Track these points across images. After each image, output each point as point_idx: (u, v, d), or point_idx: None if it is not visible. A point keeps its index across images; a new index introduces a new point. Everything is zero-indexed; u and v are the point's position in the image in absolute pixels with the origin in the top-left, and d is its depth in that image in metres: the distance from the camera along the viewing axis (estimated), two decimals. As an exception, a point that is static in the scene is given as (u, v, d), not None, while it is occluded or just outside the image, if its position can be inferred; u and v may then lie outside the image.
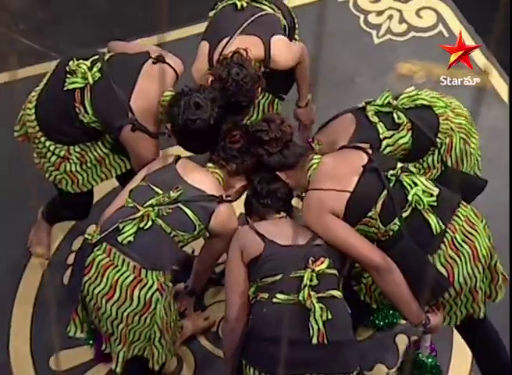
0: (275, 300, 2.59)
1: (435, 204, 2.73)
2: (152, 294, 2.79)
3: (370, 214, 2.73)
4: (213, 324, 3.51)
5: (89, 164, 3.36)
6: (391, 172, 2.74)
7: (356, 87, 4.13)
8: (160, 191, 2.78)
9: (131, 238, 2.73)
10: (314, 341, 2.52)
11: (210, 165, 2.99)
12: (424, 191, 2.74)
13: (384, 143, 3.16)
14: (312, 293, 2.56)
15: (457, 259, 2.81)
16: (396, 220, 2.75)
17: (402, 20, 4.47)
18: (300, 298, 2.55)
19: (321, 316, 2.55)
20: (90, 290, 2.83)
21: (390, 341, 3.52)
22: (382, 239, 2.79)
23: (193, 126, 3.01)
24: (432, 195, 2.75)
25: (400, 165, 2.85)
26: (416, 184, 2.74)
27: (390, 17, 4.63)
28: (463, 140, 3.23)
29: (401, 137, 3.17)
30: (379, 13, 4.69)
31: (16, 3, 4.40)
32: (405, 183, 2.73)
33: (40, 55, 4.00)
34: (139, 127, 3.13)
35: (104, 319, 2.87)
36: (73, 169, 3.32)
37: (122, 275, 2.79)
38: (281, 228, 2.77)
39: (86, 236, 2.93)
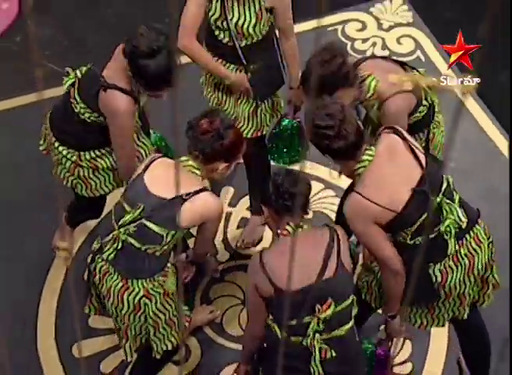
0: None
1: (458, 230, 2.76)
2: (139, 299, 2.80)
3: (405, 230, 2.69)
4: (217, 316, 3.49)
5: (101, 171, 3.33)
6: (437, 199, 2.67)
7: None
8: (128, 209, 2.73)
9: (112, 256, 2.76)
10: None
11: (183, 158, 2.84)
12: (455, 221, 2.70)
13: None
14: (317, 336, 2.53)
15: (454, 268, 2.80)
16: (421, 238, 2.71)
17: (384, 47, 4.48)
18: (304, 343, 2.52)
19: (323, 358, 2.53)
20: (99, 291, 2.92)
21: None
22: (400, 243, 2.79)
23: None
24: (460, 227, 2.72)
25: (445, 184, 2.73)
26: (452, 213, 2.70)
27: (374, 44, 4.65)
28: (442, 135, 3.30)
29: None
30: (364, 40, 4.68)
31: (43, 31, 4.39)
32: (444, 211, 2.68)
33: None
34: (108, 86, 3.08)
35: (113, 316, 2.92)
36: (86, 174, 3.32)
37: (114, 282, 2.81)
38: (285, 256, 2.46)
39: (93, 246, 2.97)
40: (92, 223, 3.81)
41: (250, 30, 3.27)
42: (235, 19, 3.24)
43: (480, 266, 2.87)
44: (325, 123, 2.53)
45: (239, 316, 3.46)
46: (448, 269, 2.80)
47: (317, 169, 3.94)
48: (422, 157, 2.71)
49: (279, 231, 2.63)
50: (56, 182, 3.35)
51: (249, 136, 3.51)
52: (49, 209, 3.60)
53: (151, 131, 3.42)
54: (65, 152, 3.30)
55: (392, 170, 2.65)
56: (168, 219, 2.69)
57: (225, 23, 3.27)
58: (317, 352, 2.52)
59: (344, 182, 3.60)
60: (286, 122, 3.57)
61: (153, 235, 2.72)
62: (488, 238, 2.85)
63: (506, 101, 4.42)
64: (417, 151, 2.70)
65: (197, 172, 2.77)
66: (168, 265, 2.95)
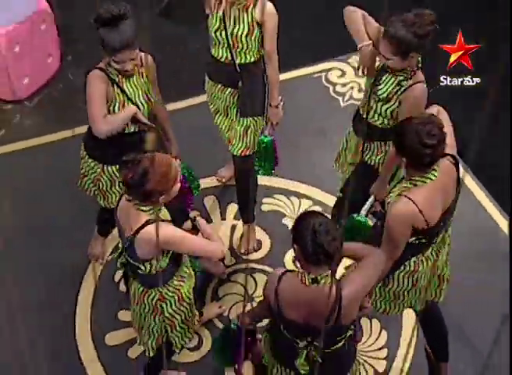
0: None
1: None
2: (155, 302, 2.78)
3: (422, 237, 2.70)
4: (224, 310, 3.53)
5: (117, 187, 3.29)
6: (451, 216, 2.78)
7: (327, 139, 4.02)
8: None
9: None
10: None
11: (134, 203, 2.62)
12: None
13: None
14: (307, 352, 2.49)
15: (424, 262, 2.84)
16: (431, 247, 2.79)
17: (361, 89, 4.48)
18: (296, 364, 2.49)
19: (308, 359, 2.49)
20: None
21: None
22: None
23: None
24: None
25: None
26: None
27: (352, 87, 4.67)
28: None
29: None
30: (344, 85, 4.69)
31: (79, 80, 4.36)
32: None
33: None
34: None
35: (136, 316, 2.93)
36: (104, 188, 3.34)
37: (137, 285, 2.81)
38: (297, 295, 2.41)
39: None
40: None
41: (243, 39, 3.27)
42: (231, 29, 3.26)
43: (440, 265, 2.96)
44: (431, 142, 2.46)
45: (242, 310, 3.44)
46: (420, 261, 2.83)
47: (304, 188, 3.95)
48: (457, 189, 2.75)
49: (300, 270, 2.39)
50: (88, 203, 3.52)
51: (238, 154, 3.55)
52: (86, 225, 3.67)
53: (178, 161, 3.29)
54: (92, 164, 3.31)
55: (440, 193, 2.64)
56: (133, 253, 2.62)
57: (223, 34, 3.28)
58: (303, 355, 2.48)
59: (331, 201, 3.76)
60: (262, 137, 3.58)
61: (136, 264, 2.67)
62: (448, 237, 2.92)
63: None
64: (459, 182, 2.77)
65: (143, 208, 2.56)
66: (186, 269, 2.91)
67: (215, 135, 3.76)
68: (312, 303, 2.35)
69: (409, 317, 3.54)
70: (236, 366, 3.04)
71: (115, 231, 3.52)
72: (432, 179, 2.58)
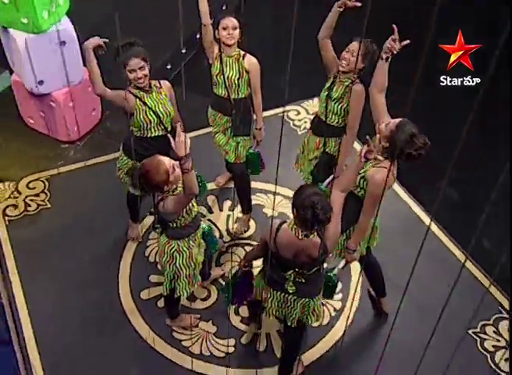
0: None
1: None
2: (173, 252, 2.82)
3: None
4: (225, 272, 3.60)
5: None
6: None
7: (289, 153, 3.83)
8: None
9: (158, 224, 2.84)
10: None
11: None
12: None
13: None
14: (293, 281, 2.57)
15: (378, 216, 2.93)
16: None
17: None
18: (285, 286, 2.59)
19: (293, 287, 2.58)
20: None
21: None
22: None
23: None
24: None
25: None
26: None
27: (305, 122, 4.72)
28: None
29: None
30: (299, 120, 4.82)
31: (116, 127, 4.69)
32: None
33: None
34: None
35: (160, 263, 3.03)
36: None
37: (163, 239, 2.85)
38: (291, 243, 2.45)
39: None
40: (149, 221, 3.90)
41: (236, 81, 3.33)
42: (227, 74, 3.31)
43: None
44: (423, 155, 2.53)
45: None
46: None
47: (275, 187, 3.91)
48: None
49: (295, 226, 2.42)
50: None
51: (232, 161, 3.62)
52: (124, 218, 3.79)
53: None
54: (126, 160, 3.31)
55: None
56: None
57: (221, 77, 3.33)
58: (291, 279, 2.57)
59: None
60: (251, 151, 3.63)
61: (166, 223, 2.75)
62: None
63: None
64: None
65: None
66: (200, 240, 2.94)
67: (214, 152, 3.85)
68: (302, 249, 2.42)
69: (355, 270, 3.65)
70: (236, 305, 3.22)
71: (146, 220, 3.92)
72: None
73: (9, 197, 3.95)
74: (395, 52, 2.76)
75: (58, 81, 4.31)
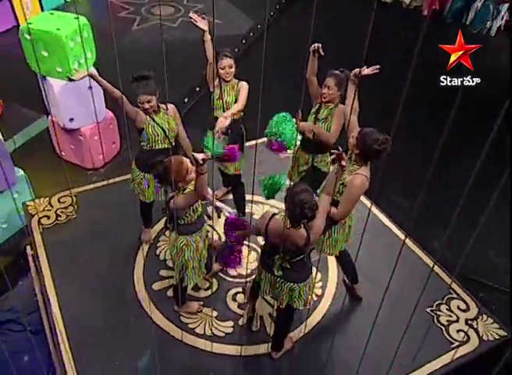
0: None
1: None
2: (182, 246, 2.76)
3: None
4: (223, 268, 3.46)
5: (152, 188, 3.28)
6: None
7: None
8: None
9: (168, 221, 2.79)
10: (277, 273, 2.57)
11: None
12: None
13: None
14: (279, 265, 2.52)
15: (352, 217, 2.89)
16: None
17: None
18: (274, 269, 2.55)
19: (280, 271, 2.53)
20: None
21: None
22: None
23: None
24: None
25: None
26: None
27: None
28: None
29: None
30: None
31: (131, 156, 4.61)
32: None
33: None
34: None
35: (171, 256, 2.93)
36: (144, 188, 3.32)
37: (173, 235, 2.79)
38: (280, 231, 2.38)
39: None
40: (159, 226, 3.86)
41: (232, 105, 3.31)
42: (225, 99, 3.33)
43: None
44: (387, 151, 2.53)
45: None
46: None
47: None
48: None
49: (285, 217, 2.38)
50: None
51: (232, 173, 3.58)
52: (137, 226, 3.74)
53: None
54: (137, 172, 3.29)
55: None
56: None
57: (221, 102, 3.33)
58: (277, 263, 2.53)
59: (280, 205, 3.58)
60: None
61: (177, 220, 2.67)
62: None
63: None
64: None
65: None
66: (202, 234, 2.83)
67: (211, 171, 3.61)
68: (289, 237, 2.38)
69: (332, 263, 3.63)
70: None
71: (156, 226, 3.86)
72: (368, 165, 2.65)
73: (44, 209, 3.95)
74: (359, 77, 2.78)
75: (86, 119, 4.41)
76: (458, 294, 3.45)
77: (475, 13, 7.60)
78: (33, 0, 6.90)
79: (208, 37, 3.27)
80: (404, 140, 4.49)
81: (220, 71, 3.27)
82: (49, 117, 4.59)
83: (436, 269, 3.64)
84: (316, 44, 3.08)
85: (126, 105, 2.97)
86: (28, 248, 3.75)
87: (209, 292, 3.45)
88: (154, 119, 3.11)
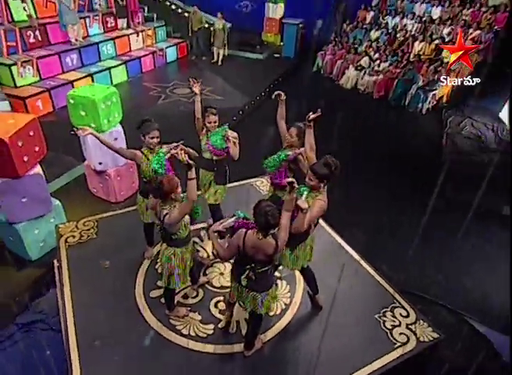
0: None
1: None
2: (169, 255, 2.60)
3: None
4: (209, 280, 3.32)
5: (148, 211, 3.04)
6: None
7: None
8: None
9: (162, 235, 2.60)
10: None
11: (160, 205, 2.49)
12: None
13: None
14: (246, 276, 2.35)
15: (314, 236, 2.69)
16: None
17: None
18: (241, 279, 2.37)
19: (246, 282, 2.35)
20: None
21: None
22: None
23: None
24: None
25: None
26: None
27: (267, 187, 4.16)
28: None
29: None
30: (264, 187, 4.38)
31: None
32: None
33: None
34: None
35: (159, 265, 2.74)
36: (144, 210, 3.15)
37: (162, 246, 2.65)
38: (254, 242, 2.24)
39: None
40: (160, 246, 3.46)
41: (219, 146, 3.18)
42: (212, 141, 3.18)
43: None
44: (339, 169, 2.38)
45: (219, 280, 3.33)
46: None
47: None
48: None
49: (255, 230, 2.24)
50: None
51: (213, 203, 3.39)
52: (142, 245, 3.49)
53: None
54: (141, 198, 3.14)
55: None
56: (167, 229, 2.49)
57: (207, 145, 3.21)
58: (245, 274, 2.35)
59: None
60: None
61: (170, 235, 2.54)
62: None
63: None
64: None
65: (164, 208, 2.44)
66: (189, 247, 2.64)
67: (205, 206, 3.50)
68: (261, 247, 2.23)
69: (299, 278, 3.34)
70: None
71: (158, 246, 3.53)
72: (323, 190, 2.48)
73: (70, 230, 3.75)
74: (312, 121, 2.66)
75: (111, 163, 4.33)
76: (400, 304, 3.18)
77: (411, 98, 7.83)
78: (88, 81, 7.13)
79: (198, 98, 3.21)
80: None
81: (207, 124, 3.20)
82: (85, 162, 4.52)
83: (384, 283, 3.40)
84: (277, 92, 2.99)
85: (124, 152, 2.92)
86: (55, 261, 3.52)
87: (196, 300, 3.21)
88: (148, 159, 2.95)
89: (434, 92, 7.59)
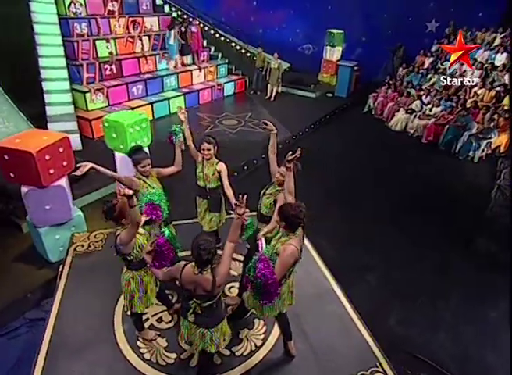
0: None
1: None
2: (129, 279, 2.52)
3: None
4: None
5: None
6: None
7: None
8: None
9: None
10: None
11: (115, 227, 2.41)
12: None
13: None
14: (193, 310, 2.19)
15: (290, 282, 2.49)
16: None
17: None
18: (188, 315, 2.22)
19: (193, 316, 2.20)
20: None
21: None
22: None
23: None
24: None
25: None
26: None
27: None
28: None
29: None
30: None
31: None
32: None
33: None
34: None
35: (122, 286, 2.59)
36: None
37: (124, 269, 2.54)
38: (190, 277, 2.11)
39: None
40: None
41: (211, 177, 3.20)
42: (205, 172, 3.20)
43: (291, 282, 2.51)
44: (303, 213, 2.24)
45: None
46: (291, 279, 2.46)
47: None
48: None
49: (193, 265, 2.10)
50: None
51: (208, 229, 3.37)
52: None
53: (167, 228, 2.82)
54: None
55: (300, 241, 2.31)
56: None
57: (202, 174, 3.21)
58: (191, 309, 2.20)
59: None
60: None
61: (125, 256, 2.43)
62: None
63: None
64: None
65: (118, 229, 2.38)
66: (147, 270, 2.54)
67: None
68: (198, 282, 2.10)
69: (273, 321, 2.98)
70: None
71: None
72: (297, 234, 2.31)
73: (82, 240, 3.88)
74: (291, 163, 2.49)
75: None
76: (383, 369, 2.70)
77: (462, 145, 7.10)
78: (148, 108, 7.77)
79: (186, 126, 3.18)
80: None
81: (202, 152, 3.19)
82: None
83: (370, 341, 2.93)
84: (263, 120, 2.95)
85: (123, 179, 2.92)
86: (61, 266, 3.61)
87: (169, 325, 3.06)
88: (146, 182, 3.00)
89: (488, 140, 6.85)
